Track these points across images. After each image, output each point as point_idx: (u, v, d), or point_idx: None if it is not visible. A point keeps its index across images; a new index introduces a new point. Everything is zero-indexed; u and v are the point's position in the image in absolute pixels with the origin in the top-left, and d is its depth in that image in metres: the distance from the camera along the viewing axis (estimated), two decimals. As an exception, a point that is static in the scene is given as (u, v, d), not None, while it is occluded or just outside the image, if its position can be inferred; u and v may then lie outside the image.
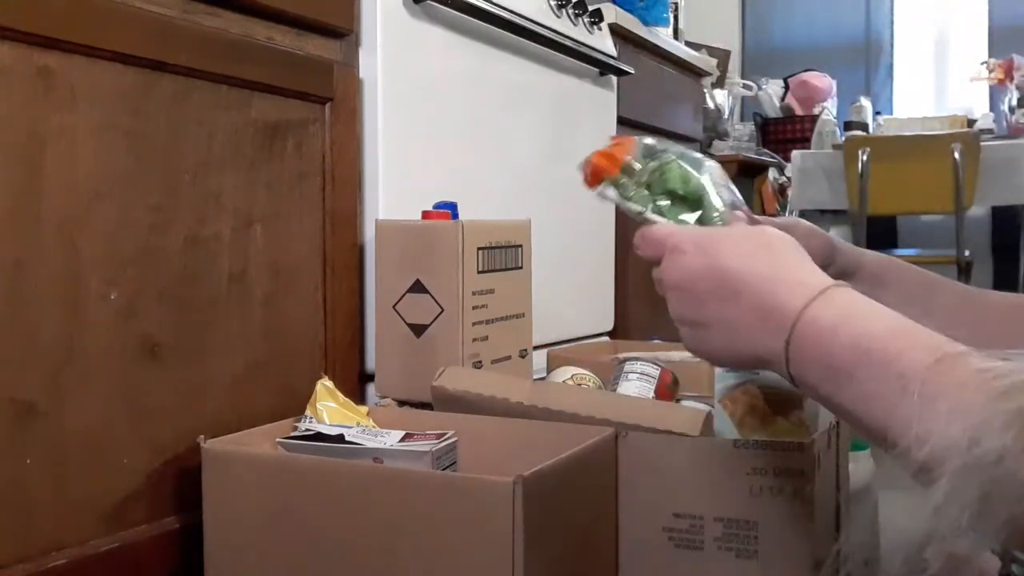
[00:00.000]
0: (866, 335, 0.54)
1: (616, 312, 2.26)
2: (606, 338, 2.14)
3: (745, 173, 3.74)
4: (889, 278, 0.65)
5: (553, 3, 1.91)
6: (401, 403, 1.31)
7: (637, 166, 0.80)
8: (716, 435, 1.05)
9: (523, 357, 1.46)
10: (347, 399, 1.20)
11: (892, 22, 4.53)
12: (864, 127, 3.74)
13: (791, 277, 0.59)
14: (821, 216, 3.49)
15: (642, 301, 2.49)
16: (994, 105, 3.88)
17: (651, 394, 1.26)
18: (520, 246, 1.44)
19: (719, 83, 3.71)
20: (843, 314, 0.56)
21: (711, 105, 3.51)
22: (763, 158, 3.74)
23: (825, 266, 0.66)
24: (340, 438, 1.03)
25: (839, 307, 0.57)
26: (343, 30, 1.36)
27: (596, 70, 2.09)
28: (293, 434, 1.09)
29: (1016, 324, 0.65)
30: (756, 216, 0.80)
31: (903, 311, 0.58)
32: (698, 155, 0.84)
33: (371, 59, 1.42)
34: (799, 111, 4.11)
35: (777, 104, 4.17)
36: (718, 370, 1.09)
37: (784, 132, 4.02)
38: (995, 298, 0.70)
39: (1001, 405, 0.45)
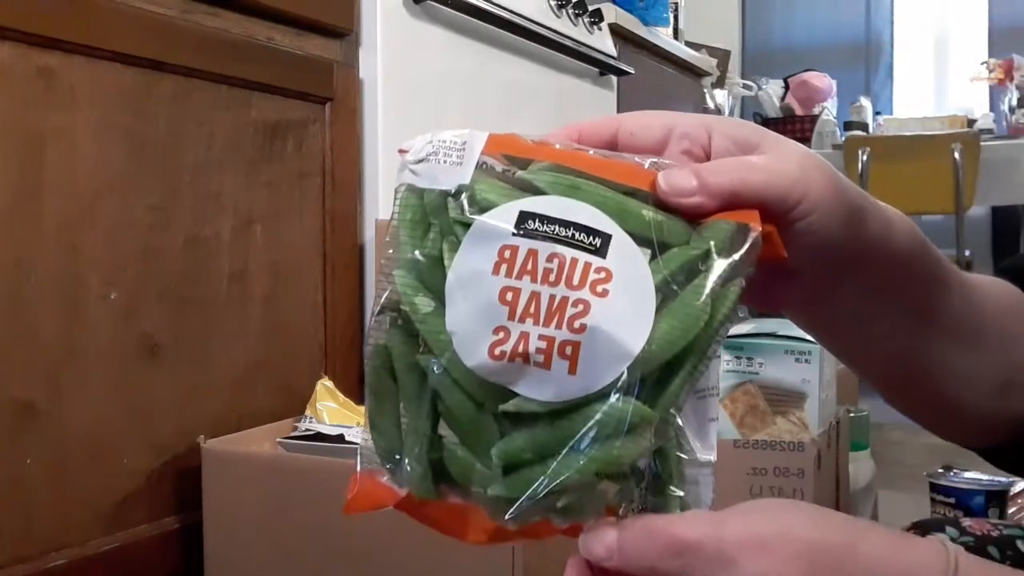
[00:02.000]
0: None
1: (616, 312, 2.26)
2: (606, 338, 2.14)
3: (745, 173, 3.74)
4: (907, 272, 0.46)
5: (553, 3, 1.91)
6: (401, 403, 1.31)
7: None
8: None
9: (523, 357, 1.46)
10: (347, 399, 1.20)
11: (892, 22, 4.53)
12: (864, 127, 3.74)
13: None
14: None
15: (642, 301, 2.49)
16: (994, 105, 3.88)
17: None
18: (520, 246, 1.44)
19: (719, 83, 3.71)
20: None
21: (711, 105, 3.51)
22: (763, 158, 3.73)
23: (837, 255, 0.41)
24: (340, 438, 1.03)
25: None
26: (343, 30, 1.36)
27: (596, 70, 2.10)
28: (293, 434, 1.09)
29: (1007, 327, 0.56)
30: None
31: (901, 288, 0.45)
32: None
33: (371, 59, 1.42)
34: (799, 111, 4.11)
35: (777, 104, 4.17)
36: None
37: (784, 132, 4.01)
38: (987, 302, 0.56)
39: None
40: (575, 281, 0.33)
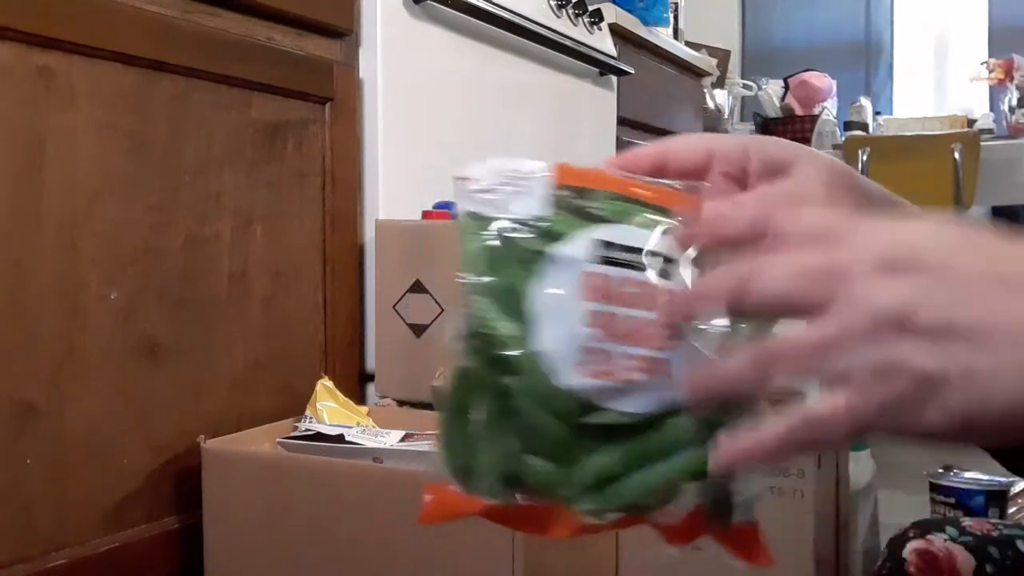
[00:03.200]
0: None
1: (616, 312, 2.26)
2: (606, 338, 2.13)
3: (745, 173, 3.73)
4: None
5: (553, 3, 1.91)
6: (401, 403, 1.31)
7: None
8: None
9: (523, 357, 1.46)
10: (347, 399, 1.20)
11: (892, 22, 4.53)
12: (864, 127, 3.74)
13: None
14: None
15: (642, 301, 2.49)
16: (994, 105, 3.88)
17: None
18: (520, 246, 1.44)
19: (719, 83, 3.70)
20: None
21: (711, 105, 3.51)
22: (763, 158, 3.74)
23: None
24: (340, 438, 1.03)
25: None
26: (343, 30, 1.36)
27: (596, 70, 2.09)
28: (293, 434, 1.09)
29: None
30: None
31: None
32: None
33: (371, 59, 1.42)
34: (799, 111, 4.11)
35: (777, 104, 4.16)
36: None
37: (784, 132, 4.02)
38: None
39: None
40: (654, 302, 0.37)
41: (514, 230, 0.38)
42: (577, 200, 0.39)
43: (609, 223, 0.38)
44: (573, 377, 0.36)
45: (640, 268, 0.37)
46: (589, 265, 0.37)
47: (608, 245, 0.38)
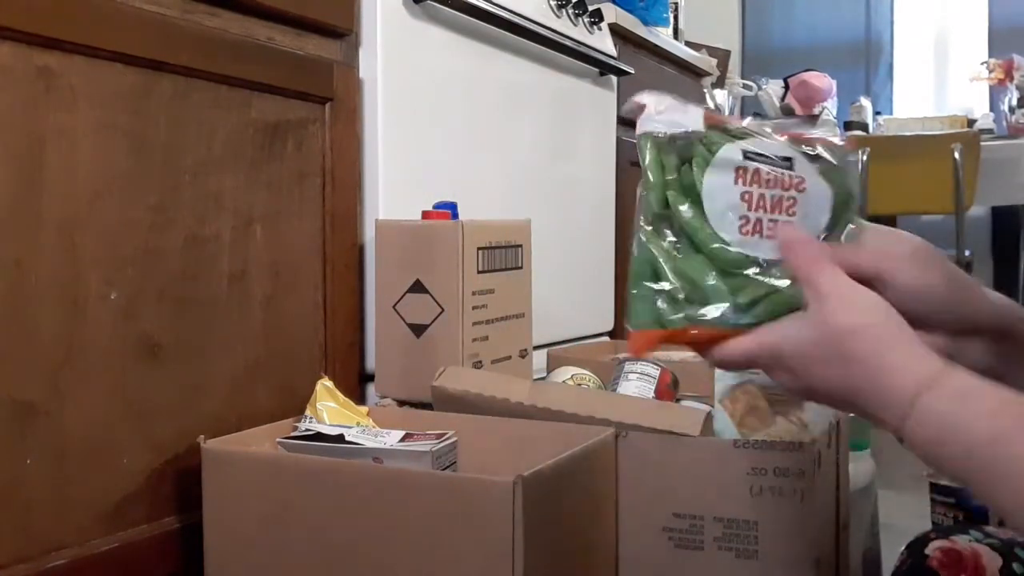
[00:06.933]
0: (977, 445, 0.54)
1: (616, 312, 2.26)
2: (606, 338, 2.14)
3: (745, 173, 3.72)
4: (1015, 331, 0.64)
5: (553, 3, 1.91)
6: (401, 403, 1.31)
7: None
8: (716, 435, 1.05)
9: (523, 357, 1.46)
10: (347, 399, 1.20)
11: (892, 22, 4.53)
12: (864, 127, 3.74)
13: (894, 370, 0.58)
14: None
15: (642, 301, 2.49)
16: (994, 105, 3.88)
17: (651, 394, 1.26)
18: (520, 246, 1.44)
19: (719, 83, 3.70)
20: (946, 423, 0.56)
21: (711, 105, 3.50)
22: (763, 158, 3.74)
23: (945, 308, 0.62)
24: (340, 438, 1.03)
25: (943, 409, 0.56)
26: (343, 30, 1.36)
27: (596, 70, 2.10)
28: (293, 434, 1.09)
29: None
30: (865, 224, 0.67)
31: None
32: None
33: (371, 59, 1.42)
34: (799, 111, 4.11)
35: (777, 104, 4.16)
36: (718, 370, 1.09)
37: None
38: None
39: None
40: (785, 185, 0.61)
41: (688, 139, 0.61)
42: (720, 128, 0.62)
43: (745, 139, 0.61)
44: (731, 234, 0.60)
45: (772, 163, 0.61)
46: (743, 162, 0.61)
47: (750, 152, 0.61)
